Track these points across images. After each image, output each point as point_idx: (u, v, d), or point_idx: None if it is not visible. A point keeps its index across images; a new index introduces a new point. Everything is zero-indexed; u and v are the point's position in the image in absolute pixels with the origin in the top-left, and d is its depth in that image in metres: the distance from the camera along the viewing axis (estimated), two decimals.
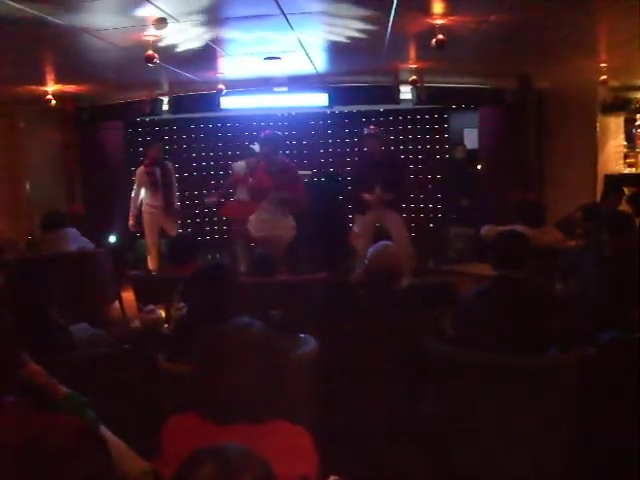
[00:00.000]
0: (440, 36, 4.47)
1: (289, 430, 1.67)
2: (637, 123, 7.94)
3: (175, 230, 7.38)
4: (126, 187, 7.62)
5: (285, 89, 7.92)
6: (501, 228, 4.55)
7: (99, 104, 8.47)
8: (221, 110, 8.30)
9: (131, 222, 7.34)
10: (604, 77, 6.55)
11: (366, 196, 6.52)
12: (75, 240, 5.99)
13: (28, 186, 8.14)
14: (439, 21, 4.49)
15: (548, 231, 5.21)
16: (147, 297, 4.30)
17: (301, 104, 8.52)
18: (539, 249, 4.31)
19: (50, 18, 4.03)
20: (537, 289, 3.17)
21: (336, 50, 5.88)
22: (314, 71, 7.04)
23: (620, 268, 3.62)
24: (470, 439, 2.73)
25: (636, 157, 7.96)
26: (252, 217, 6.34)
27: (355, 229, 6.91)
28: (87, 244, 6.14)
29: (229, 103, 8.11)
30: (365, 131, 6.96)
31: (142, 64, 4.70)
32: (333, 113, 9.37)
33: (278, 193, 6.03)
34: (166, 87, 7.81)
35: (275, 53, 5.92)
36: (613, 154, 7.89)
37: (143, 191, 7.29)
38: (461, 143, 8.79)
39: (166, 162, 7.52)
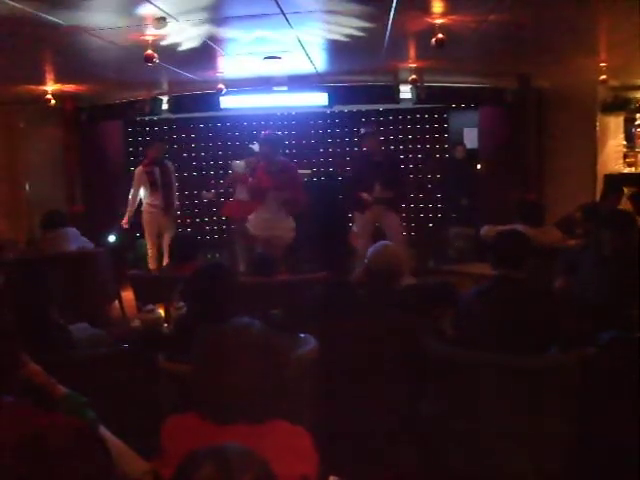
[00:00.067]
0: (440, 35, 4.47)
1: (289, 430, 1.66)
2: (637, 123, 7.95)
3: (173, 230, 7.36)
4: (126, 186, 7.61)
5: (285, 89, 7.92)
6: (501, 228, 4.54)
7: (99, 104, 8.47)
8: (221, 110, 8.31)
9: (124, 220, 7.32)
10: (604, 77, 6.55)
11: (365, 195, 6.52)
12: (75, 239, 5.99)
13: (28, 186, 8.14)
14: (439, 20, 4.49)
15: (548, 231, 5.21)
16: (147, 297, 4.30)
17: (301, 104, 8.52)
18: (539, 249, 4.31)
19: (49, 17, 4.02)
20: (537, 289, 3.17)
21: (336, 49, 5.88)
22: (314, 70, 7.04)
23: (620, 268, 3.62)
24: (470, 439, 2.73)
25: (636, 157, 7.96)
26: (252, 217, 6.34)
27: (354, 229, 6.91)
28: (87, 244, 6.14)
29: (229, 103, 8.11)
30: (362, 130, 6.96)
31: (141, 64, 4.70)
32: (333, 112, 9.37)
33: (278, 193, 6.03)
34: (166, 87, 7.81)
35: (275, 52, 5.91)
36: (613, 154, 7.89)
37: (142, 191, 7.28)
38: (461, 143, 8.78)
39: (166, 162, 7.51)
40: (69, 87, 7.07)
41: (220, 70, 6.68)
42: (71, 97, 7.81)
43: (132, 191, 7.30)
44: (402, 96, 8.12)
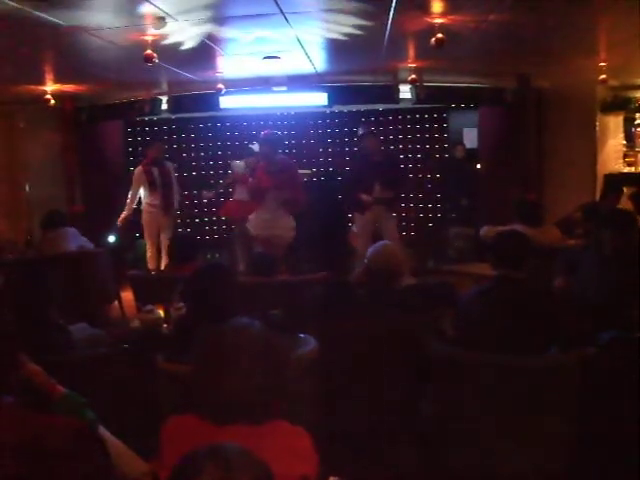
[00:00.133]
0: (439, 35, 4.47)
1: (289, 431, 1.66)
2: (636, 122, 7.95)
3: (171, 231, 7.35)
4: (125, 187, 7.61)
5: (284, 88, 7.92)
6: (500, 228, 4.54)
7: (98, 104, 8.47)
8: (220, 110, 8.31)
9: (120, 219, 7.31)
10: (603, 76, 6.55)
11: (364, 197, 6.52)
12: (75, 239, 6.00)
13: (27, 186, 8.14)
14: (438, 20, 4.48)
15: (547, 230, 5.21)
16: (146, 297, 4.29)
17: (300, 103, 8.52)
18: (539, 249, 4.31)
19: (49, 17, 4.02)
20: (537, 289, 3.17)
21: (335, 49, 5.87)
22: (313, 70, 7.03)
23: (620, 267, 3.61)
24: (470, 439, 2.73)
25: (635, 156, 7.96)
26: (252, 217, 6.34)
27: (354, 229, 6.91)
28: (87, 244, 6.15)
29: (228, 103, 8.11)
30: (361, 130, 6.96)
31: (141, 64, 4.69)
32: (332, 112, 9.37)
33: (278, 193, 6.03)
34: (165, 87, 7.81)
35: (274, 52, 5.91)
36: (612, 153, 7.89)
37: (142, 191, 7.28)
38: (460, 142, 8.79)
39: (165, 162, 7.51)
40: (69, 87, 7.07)
41: (219, 70, 6.68)
42: (71, 97, 7.82)
43: (131, 190, 7.31)
44: (402, 96, 8.11)
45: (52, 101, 6.81)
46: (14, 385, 1.73)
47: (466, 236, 8.24)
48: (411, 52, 6.05)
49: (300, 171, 7.01)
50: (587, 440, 2.70)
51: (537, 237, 4.62)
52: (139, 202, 7.35)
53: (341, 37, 5.24)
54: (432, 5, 4.25)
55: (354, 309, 3.45)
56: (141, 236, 7.76)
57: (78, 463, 1.48)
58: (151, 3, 3.91)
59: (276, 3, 4.07)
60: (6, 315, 2.09)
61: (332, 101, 8.15)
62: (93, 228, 7.40)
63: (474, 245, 7.80)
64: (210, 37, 5.05)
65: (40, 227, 6.22)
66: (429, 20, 4.51)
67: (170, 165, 7.57)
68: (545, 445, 2.66)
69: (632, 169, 7.90)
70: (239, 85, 7.70)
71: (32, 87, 6.67)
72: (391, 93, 8.08)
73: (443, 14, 4.42)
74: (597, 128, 7.77)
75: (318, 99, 8.18)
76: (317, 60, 6.46)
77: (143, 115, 8.59)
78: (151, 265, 7.30)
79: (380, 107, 9.17)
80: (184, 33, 4.79)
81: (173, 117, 9.02)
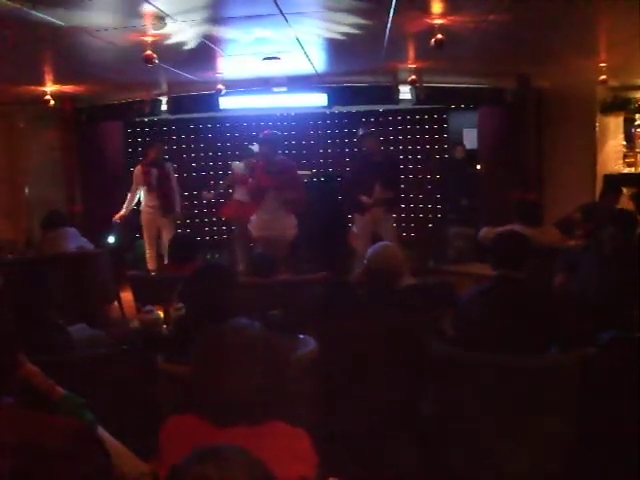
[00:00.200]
0: (439, 36, 4.47)
1: (288, 432, 1.66)
2: (636, 123, 7.95)
3: (172, 231, 7.33)
4: (125, 187, 7.61)
5: (284, 89, 7.92)
6: (500, 229, 4.54)
7: (98, 104, 8.47)
8: (220, 110, 8.30)
9: (117, 216, 7.29)
10: (603, 77, 6.55)
11: (364, 199, 6.51)
12: (74, 239, 6.00)
13: (27, 186, 8.13)
14: (438, 21, 4.48)
15: (547, 231, 5.21)
16: (146, 297, 4.29)
17: (300, 104, 8.51)
18: (538, 249, 4.31)
19: (49, 18, 4.02)
20: (537, 289, 3.17)
21: (335, 50, 5.87)
22: (313, 71, 7.03)
23: (620, 267, 3.62)
24: (470, 439, 2.73)
25: (635, 157, 7.97)
26: (253, 218, 6.35)
27: (354, 229, 6.91)
28: (86, 244, 6.15)
29: (228, 103, 8.11)
30: (361, 131, 6.96)
31: (141, 64, 4.69)
32: (332, 113, 9.37)
33: (278, 193, 6.03)
34: (165, 87, 7.80)
35: (274, 53, 5.91)
36: (612, 154, 7.89)
37: (142, 191, 7.27)
38: (460, 143, 8.79)
39: (165, 163, 7.50)
40: (69, 88, 7.07)
41: (219, 71, 6.69)
42: (70, 98, 7.81)
43: (131, 191, 7.30)
44: (401, 97, 8.11)
45: (52, 102, 6.81)
46: (14, 386, 1.73)
47: (466, 236, 8.24)
48: (411, 53, 6.04)
49: (300, 172, 7.01)
50: (587, 440, 2.70)
51: (537, 237, 4.62)
52: (138, 203, 7.35)
53: (341, 38, 5.24)
54: (432, 5, 4.25)
55: (354, 309, 3.45)
56: (141, 237, 7.76)
57: (78, 463, 1.48)
58: (151, 4, 3.91)
59: (276, 3, 4.06)
60: (6, 315, 2.08)
61: (332, 102, 8.15)
62: (93, 228, 7.40)
63: (474, 245, 7.78)
64: (210, 38, 5.05)
65: (40, 227, 6.22)
66: (429, 21, 4.51)
67: (170, 166, 7.56)
68: (545, 445, 2.66)
69: (632, 170, 7.90)
70: (239, 86, 7.70)
71: (32, 87, 6.67)
72: (391, 94, 8.08)
73: (443, 14, 4.42)
74: (597, 128, 7.77)
75: (318, 100, 8.18)
76: (317, 61, 6.46)
77: (143, 116, 8.59)
78: (150, 265, 7.30)
79: (380, 108, 9.17)
80: (184, 34, 4.79)
81: (173, 118, 9.01)
